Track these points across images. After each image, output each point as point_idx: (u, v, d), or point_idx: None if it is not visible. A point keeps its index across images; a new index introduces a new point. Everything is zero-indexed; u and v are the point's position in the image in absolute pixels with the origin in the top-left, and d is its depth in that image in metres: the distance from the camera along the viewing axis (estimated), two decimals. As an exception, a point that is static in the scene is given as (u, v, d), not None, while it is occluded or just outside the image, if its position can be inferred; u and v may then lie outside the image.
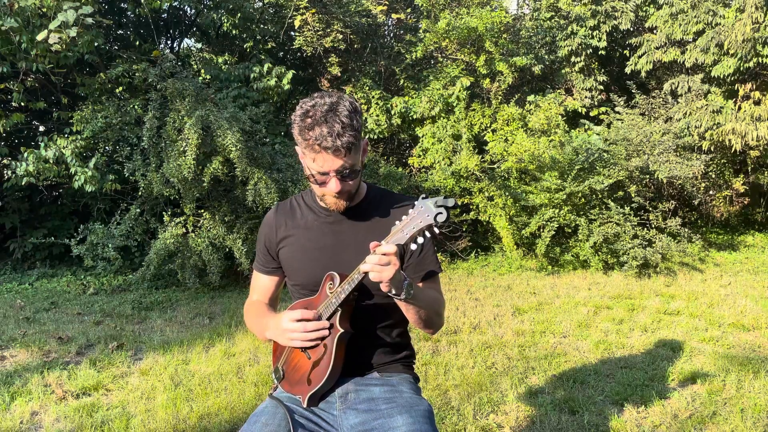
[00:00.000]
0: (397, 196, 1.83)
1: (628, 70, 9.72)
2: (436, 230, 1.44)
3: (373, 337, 1.78)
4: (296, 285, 1.83)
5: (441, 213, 1.41)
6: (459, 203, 8.35)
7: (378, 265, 1.45)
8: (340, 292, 1.62)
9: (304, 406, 1.70)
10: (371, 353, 1.79)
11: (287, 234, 1.83)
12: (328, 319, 1.64)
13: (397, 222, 1.50)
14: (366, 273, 1.51)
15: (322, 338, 1.64)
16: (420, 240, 1.46)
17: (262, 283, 1.94)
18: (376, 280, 1.48)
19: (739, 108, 8.72)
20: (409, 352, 1.88)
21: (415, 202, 1.47)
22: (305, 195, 1.88)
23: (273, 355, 1.87)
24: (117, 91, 7.59)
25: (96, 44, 6.63)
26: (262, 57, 8.54)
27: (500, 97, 8.60)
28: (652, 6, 10.02)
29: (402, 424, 1.58)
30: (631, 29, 10.18)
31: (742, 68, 8.31)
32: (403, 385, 1.77)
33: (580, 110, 9.64)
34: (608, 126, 8.90)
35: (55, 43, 5.55)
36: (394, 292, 1.52)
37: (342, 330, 1.63)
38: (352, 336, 1.67)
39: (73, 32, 5.53)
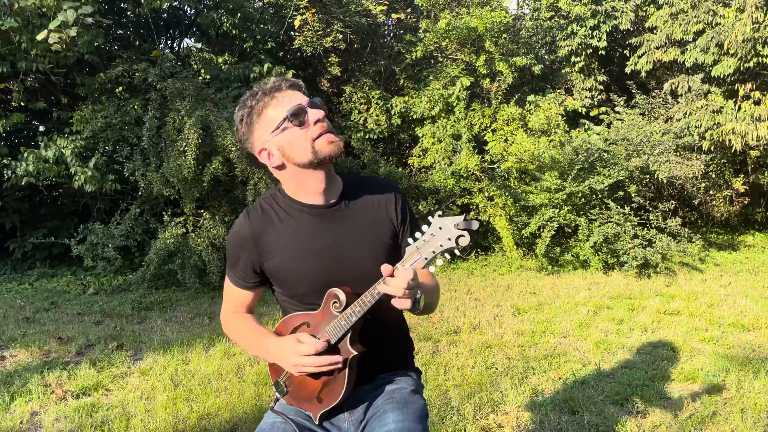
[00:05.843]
0: (372, 179, 1.76)
1: (628, 70, 9.71)
2: (457, 253, 1.35)
3: (379, 345, 1.73)
4: (294, 296, 1.67)
5: (463, 236, 1.32)
6: (459, 203, 8.35)
7: (404, 289, 1.40)
8: (350, 315, 1.51)
9: (316, 423, 1.65)
10: (378, 361, 1.73)
11: (272, 244, 1.62)
12: (338, 341, 1.56)
13: (410, 240, 1.42)
14: (380, 295, 1.45)
15: (335, 372, 1.57)
16: (439, 262, 1.38)
17: (239, 297, 1.76)
18: (401, 307, 1.44)
19: (739, 108, 8.71)
20: (410, 349, 1.86)
21: (431, 219, 1.38)
22: (276, 197, 1.68)
23: (270, 368, 1.76)
24: (117, 91, 7.59)
25: (96, 44, 6.63)
26: (262, 57, 8.53)
27: (500, 97, 8.60)
28: (652, 6, 10.01)
29: (392, 422, 1.57)
30: (631, 29, 10.17)
31: (742, 68, 8.31)
32: (405, 380, 1.75)
33: (580, 110, 9.64)
34: (608, 126, 8.89)
35: (55, 43, 5.54)
36: (409, 308, 1.49)
37: (355, 353, 1.55)
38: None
39: (73, 32, 5.52)
